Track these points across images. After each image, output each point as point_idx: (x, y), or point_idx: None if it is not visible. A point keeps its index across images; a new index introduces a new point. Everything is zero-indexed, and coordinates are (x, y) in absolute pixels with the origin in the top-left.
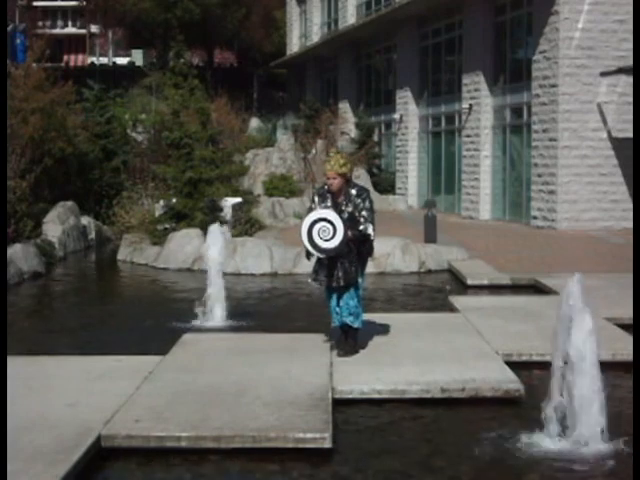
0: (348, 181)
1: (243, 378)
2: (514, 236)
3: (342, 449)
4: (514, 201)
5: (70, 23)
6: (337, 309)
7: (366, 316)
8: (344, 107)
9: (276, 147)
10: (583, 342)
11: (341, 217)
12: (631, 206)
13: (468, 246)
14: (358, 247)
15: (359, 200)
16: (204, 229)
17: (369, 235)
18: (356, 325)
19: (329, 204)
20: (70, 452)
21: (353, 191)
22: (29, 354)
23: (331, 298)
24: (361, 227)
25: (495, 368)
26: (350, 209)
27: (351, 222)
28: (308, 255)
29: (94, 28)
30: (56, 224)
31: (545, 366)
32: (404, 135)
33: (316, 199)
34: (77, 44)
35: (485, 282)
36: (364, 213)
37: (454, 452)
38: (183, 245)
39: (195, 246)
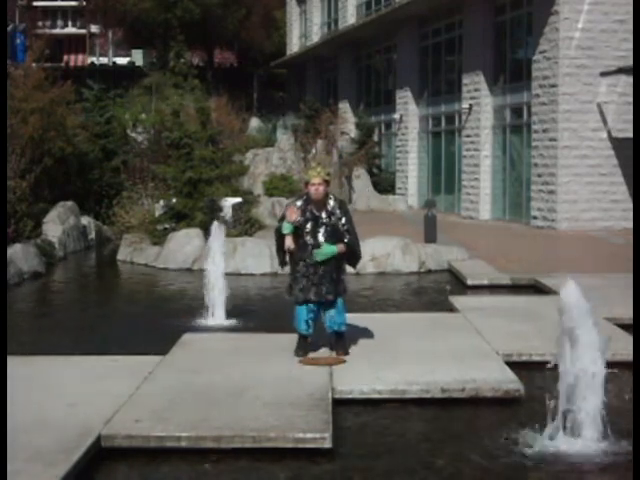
0: (327, 193)
1: (243, 378)
2: (514, 236)
3: (342, 449)
4: (514, 201)
5: (70, 23)
6: (310, 321)
7: (366, 316)
8: (344, 107)
9: (276, 147)
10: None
11: (325, 230)
12: (631, 206)
13: (468, 246)
14: (347, 259)
15: (340, 212)
16: (204, 229)
17: (359, 253)
18: (343, 329)
19: (308, 217)
20: (70, 452)
21: (332, 202)
22: (29, 354)
23: (308, 310)
24: (346, 240)
25: (495, 368)
26: (333, 221)
27: (335, 234)
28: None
29: (94, 28)
30: (56, 224)
31: (545, 366)
32: (404, 135)
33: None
34: (77, 44)
35: (485, 282)
36: (347, 227)
37: (454, 452)
38: (183, 245)
39: (195, 246)
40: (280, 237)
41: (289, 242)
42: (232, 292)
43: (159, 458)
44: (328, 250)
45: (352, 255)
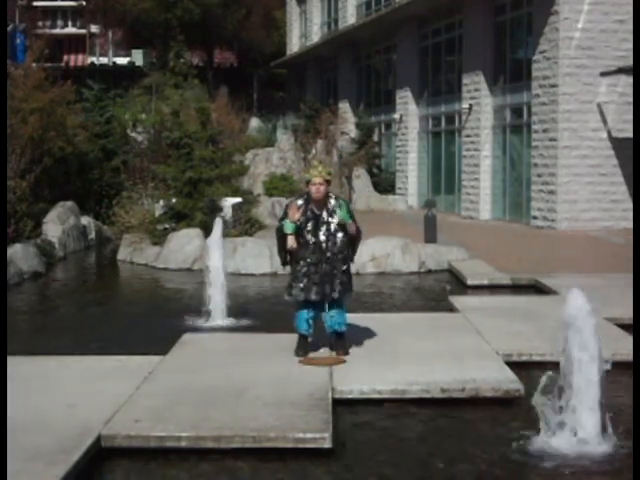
0: (328, 193)
1: (243, 378)
2: (514, 236)
3: (342, 449)
4: (514, 201)
5: (70, 23)
6: (311, 321)
7: (366, 316)
8: (344, 107)
9: (276, 147)
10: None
11: (326, 228)
12: (631, 206)
13: (468, 246)
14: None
15: (341, 209)
16: (204, 229)
17: (358, 241)
18: (343, 329)
19: (309, 216)
20: (70, 452)
21: (333, 201)
22: (29, 354)
23: (308, 310)
24: (350, 221)
25: (495, 368)
26: (335, 220)
27: (336, 232)
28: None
29: (94, 28)
30: (56, 224)
31: (545, 366)
32: (404, 135)
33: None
34: (77, 44)
35: (485, 282)
36: (349, 221)
37: (454, 452)
38: (183, 245)
39: (195, 246)
40: (282, 237)
41: (292, 242)
42: (232, 292)
43: (159, 458)
44: (346, 217)
45: (353, 244)
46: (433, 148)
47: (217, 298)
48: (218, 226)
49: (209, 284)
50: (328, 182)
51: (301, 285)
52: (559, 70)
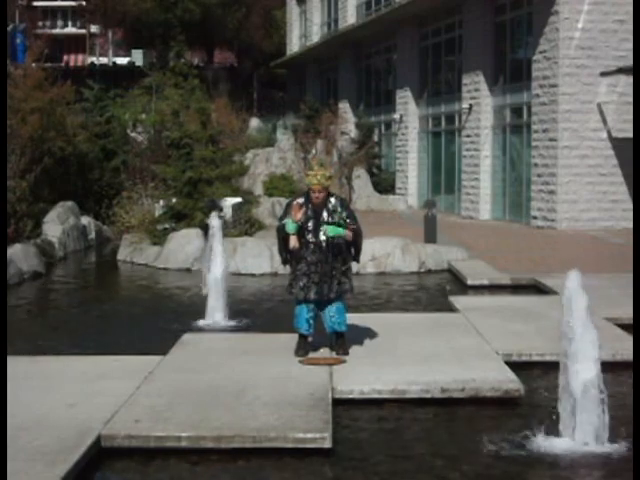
0: (328, 193)
1: (243, 378)
2: (514, 236)
3: (342, 449)
4: (514, 201)
5: (70, 23)
6: (311, 321)
7: (366, 316)
8: (344, 107)
9: (276, 147)
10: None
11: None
12: (631, 206)
13: (468, 246)
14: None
15: (341, 209)
16: (204, 229)
17: (360, 243)
18: (343, 329)
19: (310, 215)
20: (70, 452)
21: (333, 200)
22: (29, 354)
23: (308, 310)
24: (353, 226)
25: (495, 368)
26: (335, 220)
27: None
28: (285, 261)
29: (94, 28)
30: (56, 224)
31: (545, 366)
32: (404, 135)
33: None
34: (77, 44)
35: (485, 282)
36: (349, 221)
37: (454, 452)
38: (183, 245)
39: (195, 246)
40: (284, 236)
41: (294, 242)
42: (232, 292)
43: (159, 458)
44: (337, 230)
45: (355, 244)
46: (433, 148)
47: (217, 298)
48: (216, 224)
49: (209, 284)
50: (328, 188)
51: (301, 284)
52: (559, 70)
